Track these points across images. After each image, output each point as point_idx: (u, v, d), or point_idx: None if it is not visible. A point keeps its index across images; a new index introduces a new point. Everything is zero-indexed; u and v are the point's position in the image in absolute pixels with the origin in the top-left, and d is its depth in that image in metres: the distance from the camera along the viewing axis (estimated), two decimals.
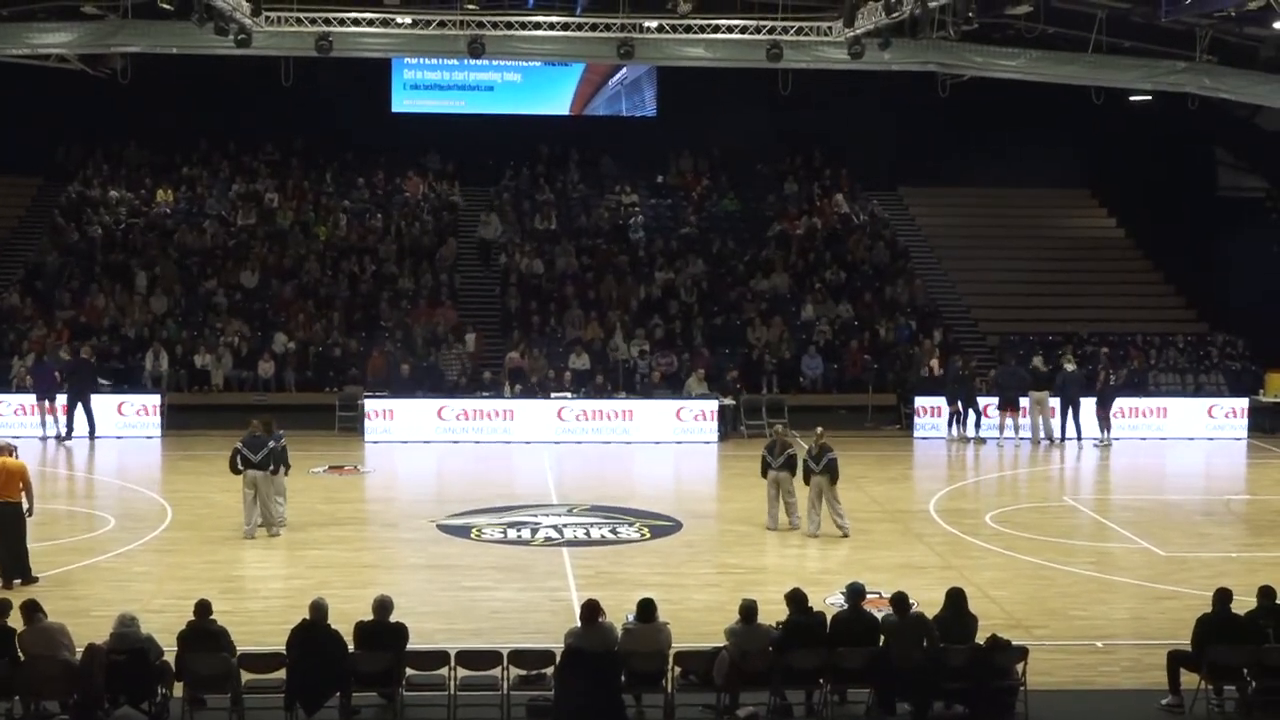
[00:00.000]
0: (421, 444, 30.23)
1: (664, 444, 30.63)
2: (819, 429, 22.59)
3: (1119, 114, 36.48)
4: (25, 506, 18.70)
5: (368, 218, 39.81)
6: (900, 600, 14.32)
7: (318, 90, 35.52)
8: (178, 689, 13.62)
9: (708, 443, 30.85)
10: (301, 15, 27.57)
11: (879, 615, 14.86)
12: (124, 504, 24.04)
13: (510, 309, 36.65)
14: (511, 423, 30.92)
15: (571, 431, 30.91)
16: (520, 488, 25.98)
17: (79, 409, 29.91)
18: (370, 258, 38.11)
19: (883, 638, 14.09)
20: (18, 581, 18.30)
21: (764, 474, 22.50)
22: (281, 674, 13.58)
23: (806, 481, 22.03)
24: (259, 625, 15.87)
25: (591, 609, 13.91)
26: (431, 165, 42.02)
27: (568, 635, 13.96)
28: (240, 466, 21.31)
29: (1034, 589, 19.10)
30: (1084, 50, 29.06)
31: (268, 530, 21.42)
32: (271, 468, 21.42)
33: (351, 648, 13.76)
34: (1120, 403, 31.72)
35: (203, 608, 13.95)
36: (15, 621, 13.80)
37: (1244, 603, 14.74)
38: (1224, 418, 32.52)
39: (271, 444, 21.47)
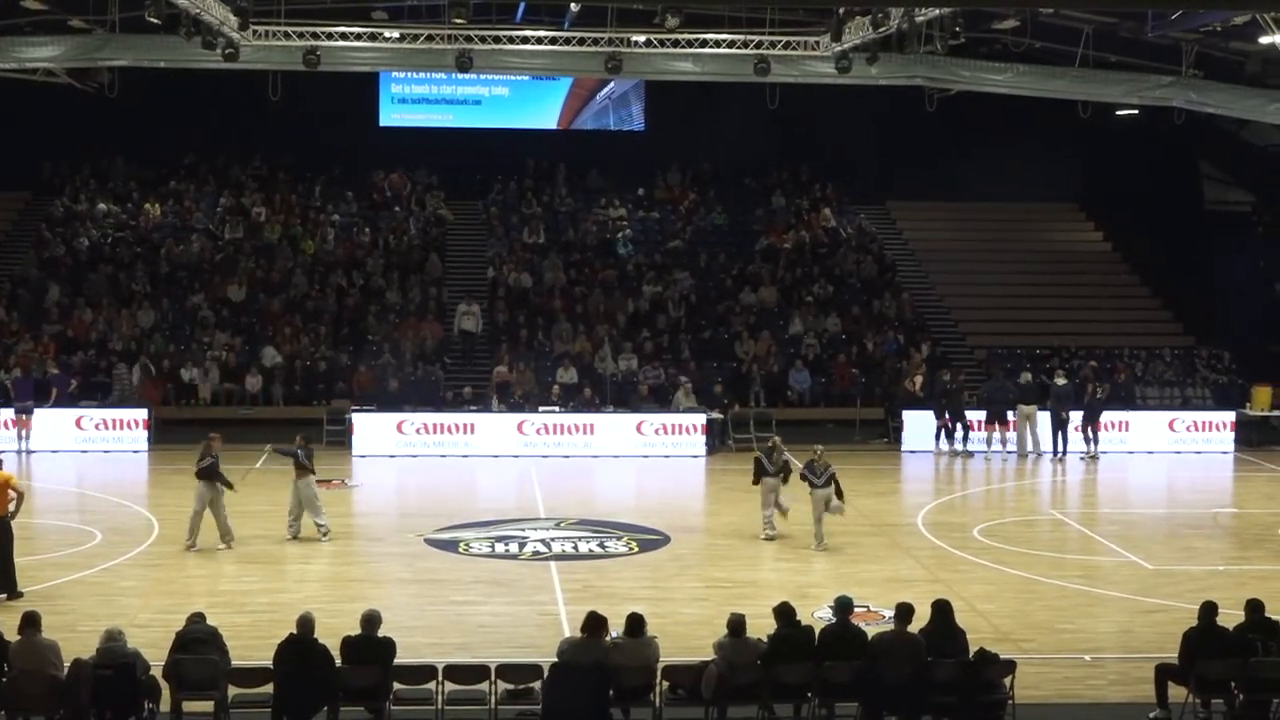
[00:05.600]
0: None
1: (654, 458, 30.69)
2: (818, 447, 22.60)
3: (1106, 128, 36.60)
4: (12, 510, 18.60)
5: (355, 231, 39.79)
6: (905, 611, 14.24)
7: (305, 104, 35.50)
8: (165, 703, 13.59)
9: (696, 456, 30.90)
10: (289, 29, 27.59)
11: (867, 629, 14.85)
12: (110, 518, 23.94)
13: (498, 323, 36.63)
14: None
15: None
16: (508, 502, 25.93)
17: None
18: (358, 271, 38.10)
19: (872, 654, 14.06)
20: (3, 596, 18.25)
21: (756, 481, 22.58)
22: (269, 688, 13.54)
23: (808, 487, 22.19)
24: (246, 640, 15.81)
25: (596, 622, 13.85)
26: (419, 179, 42.03)
27: (562, 643, 14.00)
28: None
29: (1022, 602, 19.12)
30: (1071, 65, 29.17)
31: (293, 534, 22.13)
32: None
33: (339, 662, 13.73)
34: (1111, 416, 31.83)
35: (196, 616, 14.15)
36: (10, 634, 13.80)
37: (1232, 616, 14.76)
38: (1211, 431, 32.60)
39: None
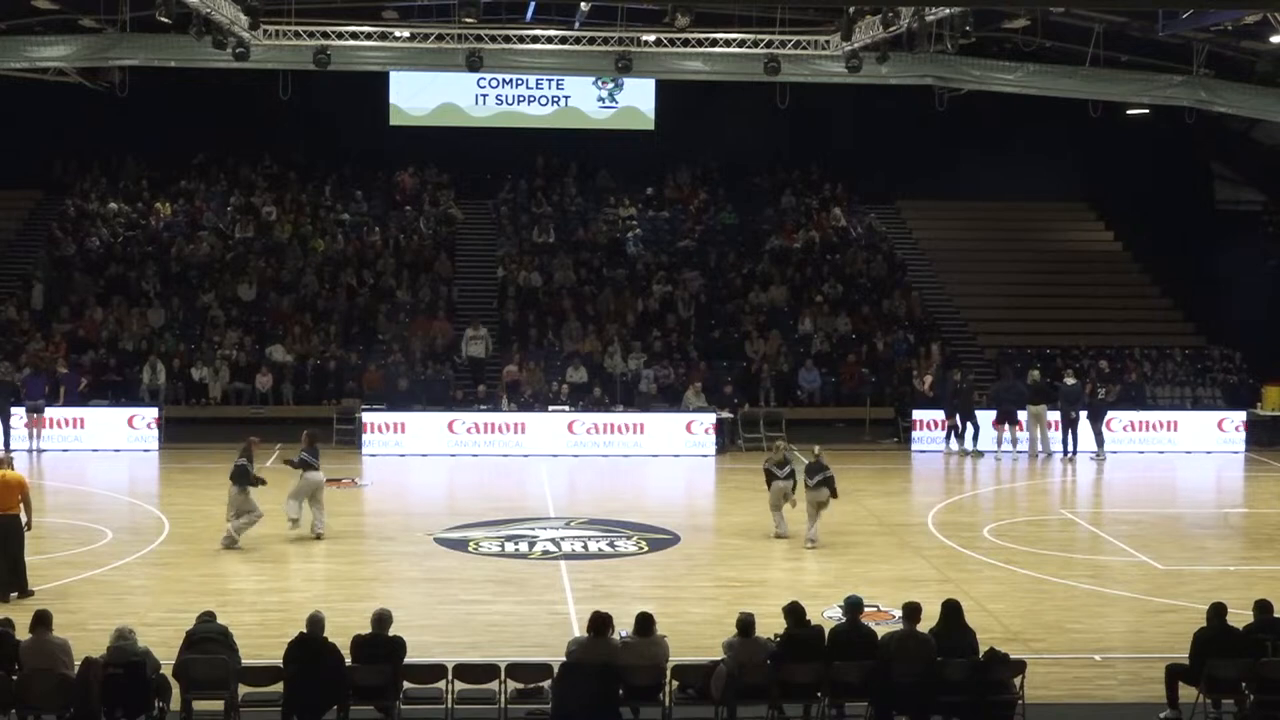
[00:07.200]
0: (427, 456, 30.42)
1: (662, 457, 30.70)
2: (816, 448, 22.75)
3: (1116, 127, 36.57)
4: (24, 520, 18.68)
5: (365, 231, 39.81)
6: (914, 610, 14.24)
7: (315, 103, 35.53)
8: (175, 702, 13.61)
9: (705, 455, 30.88)
10: (299, 29, 27.65)
11: (876, 628, 14.84)
12: (121, 517, 24.02)
13: (508, 322, 36.65)
14: (523, 436, 30.96)
15: (583, 445, 30.90)
16: (518, 501, 25.94)
17: None
18: (368, 270, 38.12)
19: (882, 653, 14.04)
20: (14, 595, 18.27)
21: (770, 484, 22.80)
22: (279, 687, 13.56)
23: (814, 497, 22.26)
24: (256, 639, 15.82)
25: (601, 622, 13.87)
26: (429, 178, 42.05)
27: (570, 643, 14.01)
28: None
29: (1031, 602, 19.10)
30: (1081, 64, 29.15)
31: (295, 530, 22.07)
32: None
33: (349, 661, 13.74)
34: (1122, 416, 31.79)
35: (206, 615, 14.20)
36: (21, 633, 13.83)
37: (1243, 616, 14.74)
38: (1222, 431, 32.52)
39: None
